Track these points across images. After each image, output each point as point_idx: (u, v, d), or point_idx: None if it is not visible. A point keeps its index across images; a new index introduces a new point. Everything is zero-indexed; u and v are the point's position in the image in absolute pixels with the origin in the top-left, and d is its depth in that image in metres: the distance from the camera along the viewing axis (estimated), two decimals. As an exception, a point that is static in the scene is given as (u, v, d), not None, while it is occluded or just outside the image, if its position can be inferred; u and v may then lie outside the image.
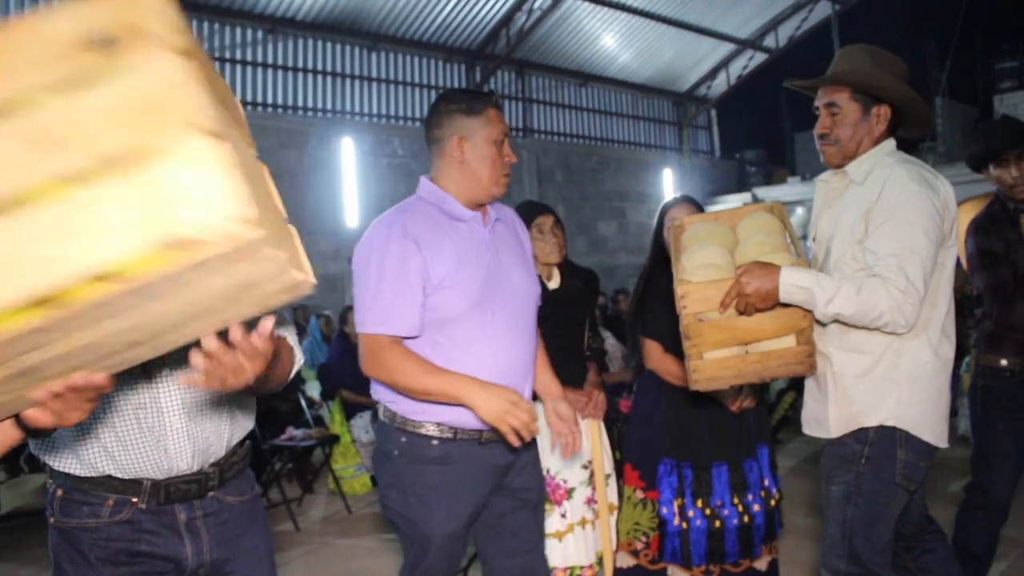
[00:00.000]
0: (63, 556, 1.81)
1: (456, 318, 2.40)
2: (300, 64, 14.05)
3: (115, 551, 1.80)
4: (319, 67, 14.35)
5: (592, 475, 3.44)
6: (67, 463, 1.80)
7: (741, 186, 20.55)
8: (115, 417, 1.77)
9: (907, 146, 2.70)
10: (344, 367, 7.14)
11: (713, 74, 20.19)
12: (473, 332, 2.42)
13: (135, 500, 1.80)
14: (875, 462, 2.44)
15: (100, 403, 1.65)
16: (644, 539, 3.33)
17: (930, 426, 2.45)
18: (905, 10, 18.01)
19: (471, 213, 2.50)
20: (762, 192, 19.49)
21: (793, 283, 2.32)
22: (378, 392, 2.53)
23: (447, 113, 2.49)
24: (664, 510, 3.27)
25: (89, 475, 1.79)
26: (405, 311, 2.36)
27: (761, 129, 21.79)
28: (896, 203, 2.37)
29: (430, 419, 2.43)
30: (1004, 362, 3.37)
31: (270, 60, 13.61)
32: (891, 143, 2.56)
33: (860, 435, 2.46)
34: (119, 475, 1.79)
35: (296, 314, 9.89)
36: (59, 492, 1.83)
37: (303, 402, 6.95)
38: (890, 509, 2.47)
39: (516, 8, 15.23)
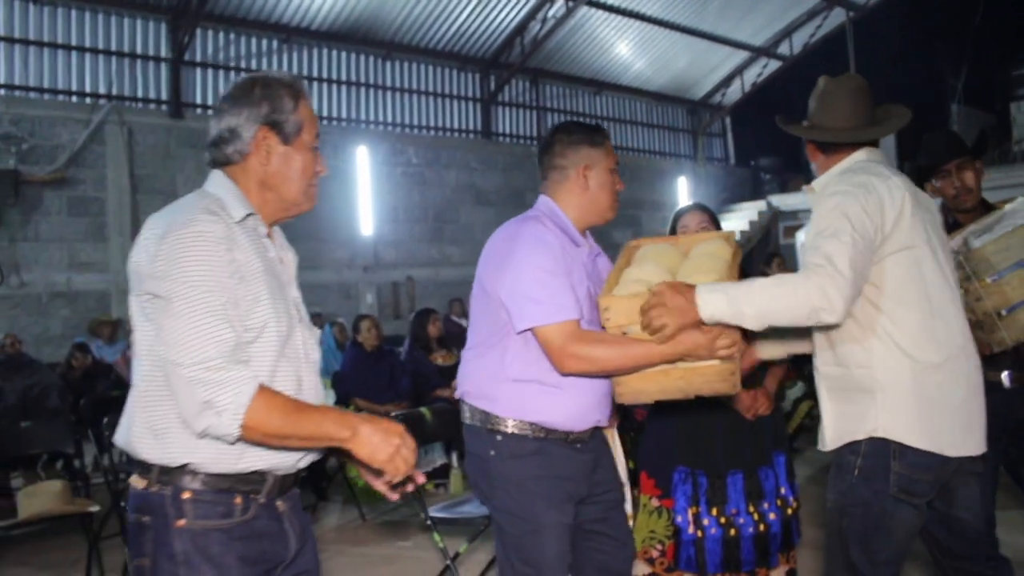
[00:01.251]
0: (201, 558, 1.78)
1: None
2: (315, 73, 14.14)
3: (248, 550, 1.83)
4: (334, 76, 14.43)
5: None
6: (224, 460, 1.81)
7: (756, 194, 20.53)
8: None
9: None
10: (358, 375, 7.16)
11: (728, 81, 20.19)
12: None
13: (255, 496, 1.85)
14: (866, 473, 2.42)
15: None
16: (660, 547, 3.32)
17: (925, 433, 2.37)
18: (920, 17, 17.92)
19: (582, 240, 2.71)
20: (777, 200, 19.45)
21: (707, 291, 2.26)
22: (469, 394, 2.62)
23: (571, 144, 2.69)
24: (679, 518, 3.26)
25: (241, 471, 1.82)
26: (574, 299, 2.48)
27: (776, 136, 21.40)
28: (821, 205, 2.44)
29: (525, 418, 2.53)
30: None
31: (285, 69, 13.67)
32: (851, 158, 2.61)
33: (854, 446, 2.45)
34: (261, 467, 1.85)
35: (314, 322, 9.90)
36: (186, 494, 1.80)
37: (318, 410, 6.95)
38: (890, 522, 2.42)
39: (530, 16, 15.27)
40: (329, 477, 6.94)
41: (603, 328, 2.43)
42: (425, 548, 5.16)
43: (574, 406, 2.54)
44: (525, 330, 2.46)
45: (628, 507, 3.50)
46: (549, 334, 2.43)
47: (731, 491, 3.24)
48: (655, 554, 3.34)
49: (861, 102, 2.62)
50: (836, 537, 2.50)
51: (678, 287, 2.30)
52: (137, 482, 1.85)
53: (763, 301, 2.25)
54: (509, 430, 2.53)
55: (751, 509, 3.24)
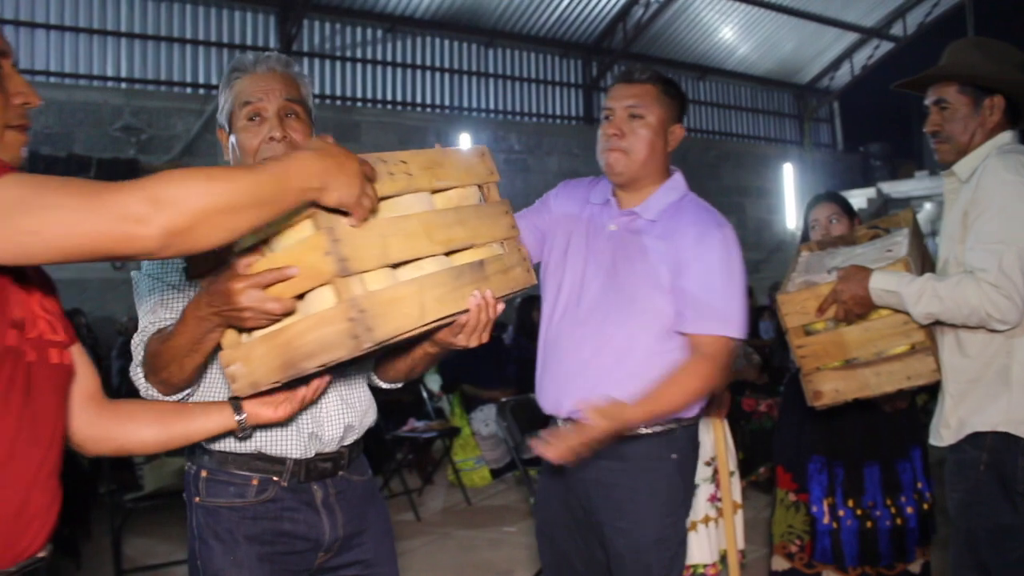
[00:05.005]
0: (209, 534, 1.86)
1: None
2: (419, 61, 14.28)
3: (260, 530, 1.85)
4: (437, 64, 14.55)
5: (715, 472, 3.39)
6: (222, 440, 1.86)
7: (865, 180, 19.87)
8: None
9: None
10: (464, 361, 7.22)
11: (836, 65, 19.57)
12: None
13: (276, 479, 1.86)
14: (994, 468, 2.30)
15: None
16: (798, 542, 3.28)
17: None
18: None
19: (605, 197, 2.48)
20: (887, 187, 18.81)
21: (881, 287, 2.28)
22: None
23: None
24: (814, 508, 3.20)
25: (242, 452, 1.86)
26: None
27: (887, 121, 20.99)
28: (988, 195, 2.25)
29: None
30: None
31: (389, 58, 13.88)
32: (1006, 135, 2.40)
33: (976, 440, 2.33)
34: (269, 452, 1.86)
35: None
36: (204, 473, 1.88)
37: (424, 394, 7.06)
38: (1020, 520, 2.32)
39: (633, 1, 15.10)
40: (435, 461, 7.04)
41: (784, 328, 2.45)
42: (529, 533, 5.16)
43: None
44: None
45: (736, 495, 3.46)
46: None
47: (867, 483, 3.16)
48: (794, 549, 3.30)
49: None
50: (963, 536, 2.38)
51: (861, 274, 2.33)
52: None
53: (930, 303, 2.23)
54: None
55: (888, 502, 3.16)
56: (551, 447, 2.06)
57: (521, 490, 6.35)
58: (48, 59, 11.13)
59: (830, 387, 2.46)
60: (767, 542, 3.68)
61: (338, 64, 13.45)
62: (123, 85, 11.68)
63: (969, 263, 2.24)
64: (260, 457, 1.86)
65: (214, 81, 12.45)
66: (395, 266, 1.52)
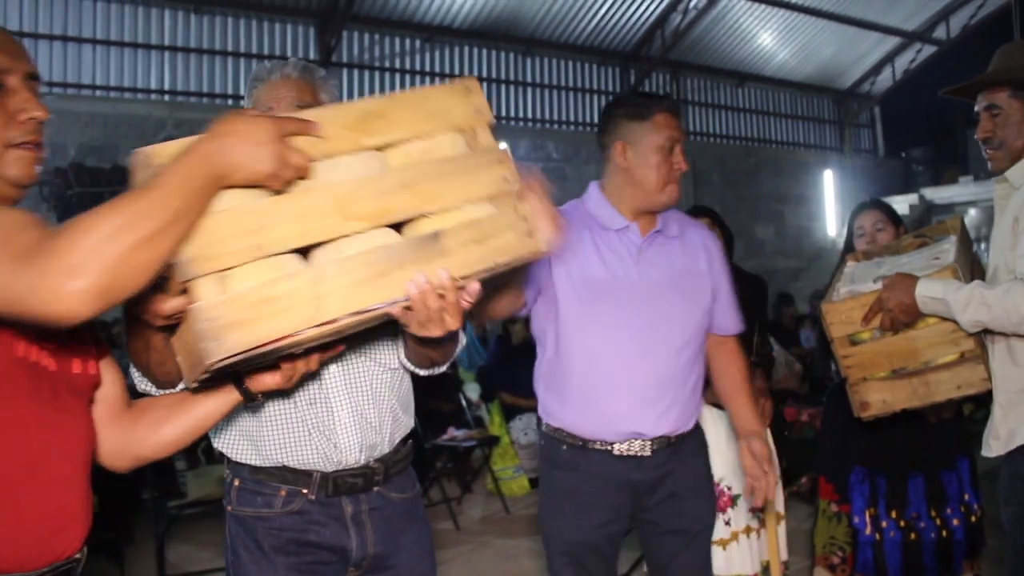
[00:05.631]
0: (239, 543, 1.88)
1: (567, 315, 2.42)
2: (457, 71, 14.32)
3: (286, 540, 1.87)
4: (475, 73, 14.57)
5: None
6: (246, 454, 1.90)
7: (908, 186, 19.59)
8: (290, 411, 1.88)
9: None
10: (503, 369, 7.24)
11: (877, 69, 19.32)
12: (578, 333, 2.42)
13: (305, 491, 1.87)
14: None
15: (277, 397, 1.81)
16: (840, 554, 3.24)
17: None
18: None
19: (625, 222, 2.45)
20: (930, 193, 18.52)
21: (927, 295, 2.25)
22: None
23: (611, 119, 2.47)
24: (856, 519, 3.16)
25: (265, 465, 1.88)
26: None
27: (930, 125, 20.71)
28: None
29: (560, 424, 2.47)
30: None
31: (427, 68, 13.95)
32: None
33: None
34: (293, 465, 1.87)
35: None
36: (236, 482, 1.92)
37: (464, 403, 7.07)
38: None
39: (671, 8, 15.04)
40: (474, 470, 7.04)
41: (830, 337, 2.50)
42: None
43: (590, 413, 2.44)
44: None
45: (779, 506, 3.42)
46: None
47: (912, 494, 3.11)
48: (836, 560, 3.26)
49: None
50: (1019, 550, 2.32)
51: (906, 282, 2.32)
52: None
53: (977, 311, 2.20)
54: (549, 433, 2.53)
55: (933, 514, 3.10)
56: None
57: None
58: (94, 73, 11.33)
59: (877, 397, 2.43)
60: (809, 553, 3.64)
61: (377, 74, 13.54)
62: (166, 97, 11.86)
63: (1020, 270, 2.20)
64: (286, 470, 1.88)
65: (255, 93, 12.61)
66: (303, 252, 1.31)
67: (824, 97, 19.84)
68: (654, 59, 15.85)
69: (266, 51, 12.72)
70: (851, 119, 20.16)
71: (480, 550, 5.36)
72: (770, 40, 17.14)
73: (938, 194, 18.31)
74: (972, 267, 2.52)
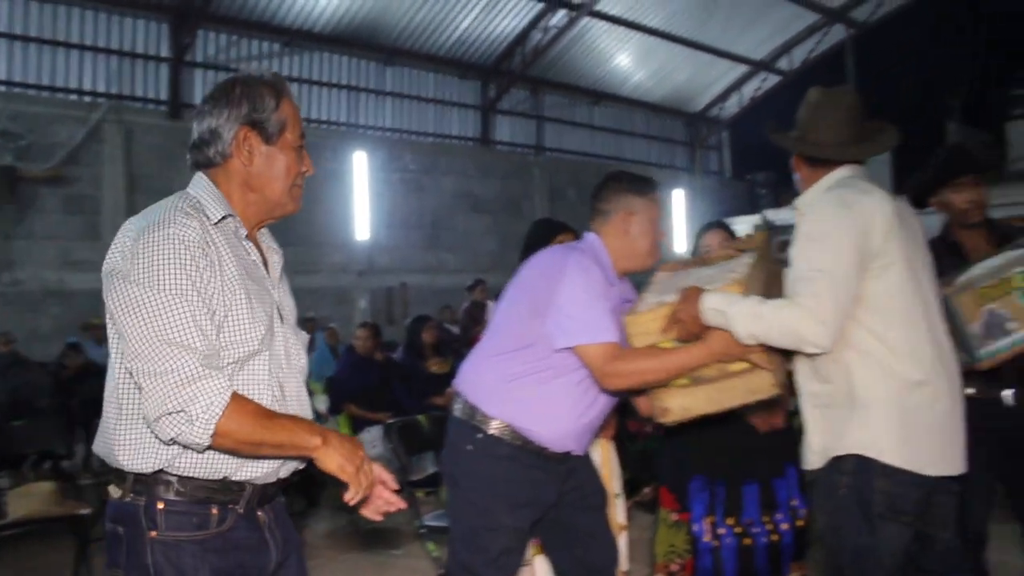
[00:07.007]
0: (171, 572, 1.76)
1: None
2: (316, 77, 14.14)
3: (227, 563, 1.80)
4: (334, 80, 14.42)
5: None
6: (191, 466, 1.77)
7: (752, 207, 20.50)
8: None
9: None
10: (352, 381, 7.12)
11: (726, 95, 20.23)
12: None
13: (233, 506, 1.81)
14: (853, 491, 2.38)
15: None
16: (680, 561, 3.33)
17: (904, 452, 2.34)
18: (919, 35, 17.96)
19: (616, 280, 2.78)
20: (772, 214, 19.44)
21: (711, 307, 2.37)
22: (464, 386, 2.79)
23: (618, 190, 2.83)
24: (695, 527, 3.26)
25: (209, 477, 1.78)
26: (615, 324, 2.60)
27: (772, 150, 21.43)
28: (808, 228, 2.43)
29: (512, 424, 2.69)
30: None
31: (286, 72, 13.66)
32: (834, 175, 2.58)
33: (838, 464, 2.41)
34: (234, 477, 1.80)
35: (305, 326, 9.88)
36: (160, 505, 1.77)
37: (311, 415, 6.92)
38: (882, 542, 2.38)
39: (532, 25, 15.29)
40: (320, 483, 6.90)
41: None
42: (417, 556, 5.12)
43: (556, 431, 2.71)
44: (565, 348, 2.60)
45: (621, 516, 3.49)
46: (592, 353, 2.57)
47: (747, 501, 3.24)
48: (675, 568, 3.35)
49: (852, 118, 2.59)
50: (831, 557, 2.47)
51: (691, 294, 2.42)
52: (114, 491, 1.81)
53: (754, 326, 2.32)
54: (491, 431, 2.69)
55: (765, 519, 3.24)
56: None
57: (408, 512, 6.27)
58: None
59: (677, 403, 2.54)
60: (650, 562, 3.72)
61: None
62: (1, 88, 11.18)
63: (791, 290, 2.36)
64: (223, 484, 1.80)
65: (100, 88, 12.05)
66: None
67: (676, 119, 20.59)
68: (514, 74, 16.06)
69: (115, 46, 12.18)
70: (701, 141, 20.99)
71: (326, 565, 5.25)
72: (627, 61, 17.66)
73: (778, 215, 19.20)
74: (773, 283, 2.63)
